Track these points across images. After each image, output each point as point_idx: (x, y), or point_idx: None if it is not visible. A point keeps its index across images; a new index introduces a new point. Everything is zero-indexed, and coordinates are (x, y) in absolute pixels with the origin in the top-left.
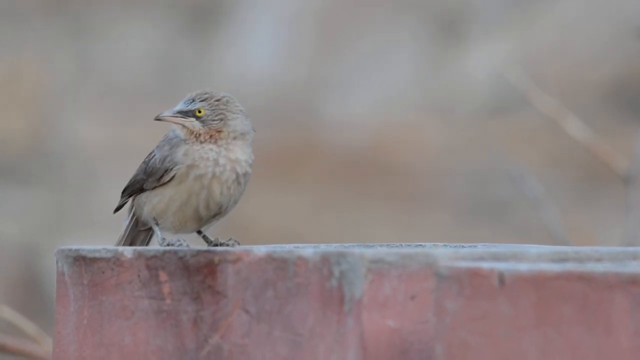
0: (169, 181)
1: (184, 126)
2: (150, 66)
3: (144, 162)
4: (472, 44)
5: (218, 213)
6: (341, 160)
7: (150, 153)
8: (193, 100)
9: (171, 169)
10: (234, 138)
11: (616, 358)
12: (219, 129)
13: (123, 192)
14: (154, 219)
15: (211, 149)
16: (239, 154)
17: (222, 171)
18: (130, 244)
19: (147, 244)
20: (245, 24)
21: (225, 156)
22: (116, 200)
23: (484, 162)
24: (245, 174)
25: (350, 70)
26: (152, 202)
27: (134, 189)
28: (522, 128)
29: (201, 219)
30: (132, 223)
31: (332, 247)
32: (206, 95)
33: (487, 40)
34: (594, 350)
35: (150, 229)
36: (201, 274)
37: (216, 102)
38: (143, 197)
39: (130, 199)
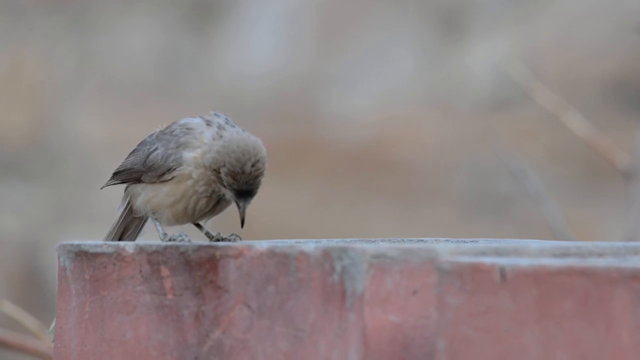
0: (169, 179)
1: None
2: (151, 61)
3: (142, 151)
4: (473, 39)
5: (210, 213)
6: (342, 155)
7: (150, 143)
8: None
9: (174, 168)
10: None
11: (617, 353)
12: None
13: (115, 174)
14: (150, 211)
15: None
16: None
17: (214, 197)
18: (124, 231)
19: (140, 231)
20: (246, 18)
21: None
22: (117, 195)
23: (485, 157)
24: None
25: (351, 65)
26: (147, 195)
27: (129, 178)
28: (524, 123)
29: (193, 216)
30: (126, 211)
31: (334, 242)
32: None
33: (489, 35)
34: (595, 345)
35: (144, 216)
36: (203, 269)
37: None
38: (139, 188)
39: (125, 186)
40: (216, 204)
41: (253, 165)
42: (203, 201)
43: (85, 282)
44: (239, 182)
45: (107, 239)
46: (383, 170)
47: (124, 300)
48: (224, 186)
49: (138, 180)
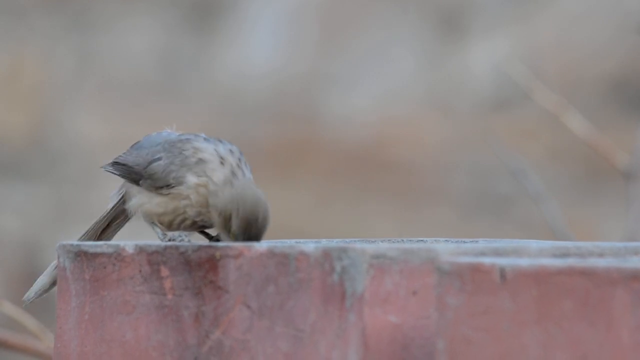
0: (166, 194)
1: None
2: (151, 61)
3: (147, 154)
4: (473, 39)
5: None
6: (342, 155)
7: (156, 149)
8: None
9: (173, 186)
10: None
11: (617, 353)
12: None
13: (116, 164)
14: (143, 216)
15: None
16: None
17: (198, 224)
18: (113, 219)
19: (128, 220)
20: (246, 18)
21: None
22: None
23: (485, 157)
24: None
25: (351, 65)
26: (141, 200)
27: (128, 177)
28: (524, 123)
29: (179, 228)
30: (120, 202)
31: (334, 243)
32: None
33: (489, 35)
34: (595, 346)
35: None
36: (203, 269)
37: None
38: (135, 190)
39: (123, 180)
40: (197, 228)
41: (264, 217)
42: (188, 222)
43: (85, 283)
44: (250, 232)
45: (95, 225)
46: (383, 170)
47: (124, 301)
48: (227, 231)
49: (136, 182)
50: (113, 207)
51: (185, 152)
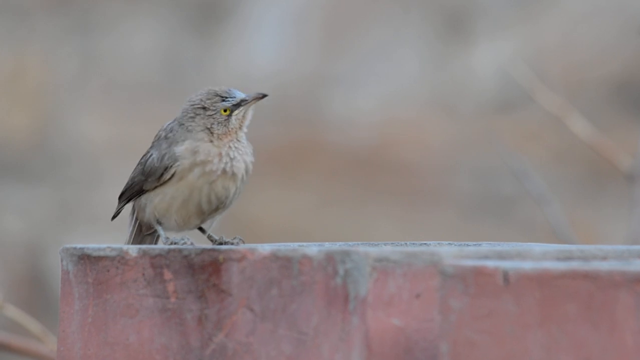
0: (169, 179)
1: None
2: (154, 63)
3: (140, 163)
4: (477, 40)
5: (221, 207)
6: (345, 157)
7: (146, 154)
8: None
9: (171, 166)
10: (240, 135)
11: (621, 356)
12: (241, 123)
13: (120, 196)
14: (157, 219)
15: (228, 146)
16: (246, 147)
17: (230, 166)
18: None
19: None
20: (250, 20)
21: (237, 152)
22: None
23: (488, 159)
24: (251, 166)
25: (355, 67)
26: (153, 202)
27: (132, 192)
28: (527, 125)
29: (204, 213)
30: (135, 229)
31: (337, 246)
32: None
33: (493, 37)
34: (598, 348)
35: (156, 232)
36: (206, 272)
37: None
38: (143, 198)
39: (131, 203)
40: (243, 176)
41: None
42: (219, 186)
43: (89, 286)
44: (230, 95)
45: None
46: (386, 171)
47: (127, 304)
48: (225, 112)
49: (141, 192)
50: (131, 235)
51: (161, 136)
